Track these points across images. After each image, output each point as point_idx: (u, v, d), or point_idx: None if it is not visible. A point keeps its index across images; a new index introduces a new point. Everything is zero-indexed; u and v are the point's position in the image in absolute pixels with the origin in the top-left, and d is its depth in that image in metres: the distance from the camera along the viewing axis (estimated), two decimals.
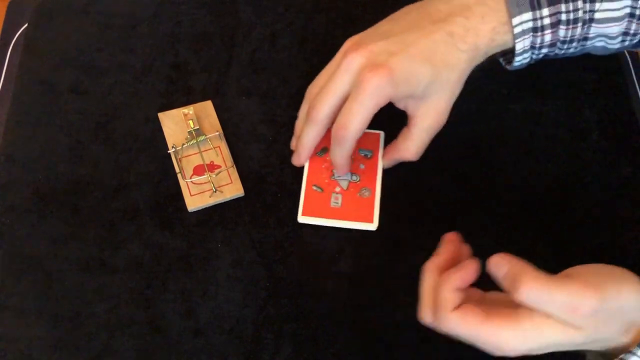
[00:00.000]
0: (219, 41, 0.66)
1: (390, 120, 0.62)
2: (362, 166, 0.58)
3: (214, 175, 0.58)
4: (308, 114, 0.53)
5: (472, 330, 0.41)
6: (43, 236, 0.55)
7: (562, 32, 0.50)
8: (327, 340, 0.52)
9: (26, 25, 0.69)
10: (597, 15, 0.50)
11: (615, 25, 0.50)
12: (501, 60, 0.56)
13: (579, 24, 0.50)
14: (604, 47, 0.53)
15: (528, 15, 0.49)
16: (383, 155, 0.58)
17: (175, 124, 0.61)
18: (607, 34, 0.51)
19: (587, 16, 0.50)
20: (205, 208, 0.57)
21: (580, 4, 0.49)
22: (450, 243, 0.47)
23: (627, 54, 0.72)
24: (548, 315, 0.39)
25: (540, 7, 0.49)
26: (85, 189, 0.58)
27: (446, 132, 0.62)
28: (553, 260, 0.56)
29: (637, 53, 0.73)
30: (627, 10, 0.50)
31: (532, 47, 0.51)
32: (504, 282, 0.41)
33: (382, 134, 0.59)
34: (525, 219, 0.58)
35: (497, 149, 0.61)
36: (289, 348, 0.52)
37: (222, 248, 0.55)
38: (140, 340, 0.52)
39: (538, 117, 0.63)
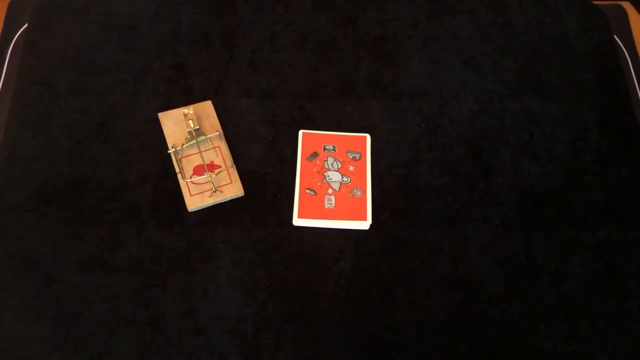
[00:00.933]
0: (219, 41, 0.66)
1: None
2: (351, 168, 0.59)
3: (214, 175, 0.58)
4: None
5: None
6: (43, 236, 0.55)
7: None
8: (327, 340, 0.52)
9: (26, 25, 0.69)
10: None
11: None
12: None
13: None
14: None
15: None
16: None
17: (175, 124, 0.61)
18: None
19: None
20: (205, 208, 0.57)
21: None
22: None
23: (627, 54, 0.72)
24: None
25: None
26: (85, 189, 0.58)
27: (446, 132, 0.62)
28: (553, 260, 0.56)
29: (637, 53, 0.73)
30: None
31: None
32: None
33: (368, 136, 0.61)
34: (525, 218, 0.58)
35: (497, 149, 0.61)
36: (289, 348, 0.52)
37: (222, 248, 0.55)
38: (140, 340, 0.52)
39: (538, 117, 0.63)
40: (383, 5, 0.69)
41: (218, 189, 0.57)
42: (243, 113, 0.62)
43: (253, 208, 0.57)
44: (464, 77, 0.65)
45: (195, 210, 0.57)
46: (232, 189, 0.57)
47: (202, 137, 0.60)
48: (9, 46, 0.70)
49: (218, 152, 0.59)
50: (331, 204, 0.57)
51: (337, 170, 0.59)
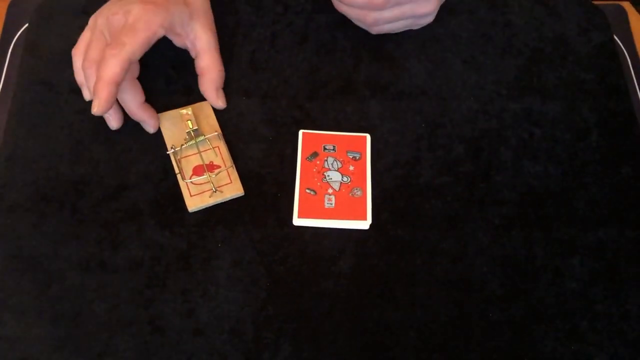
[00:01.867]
0: (219, 41, 0.66)
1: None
2: (351, 167, 0.59)
3: (214, 176, 0.58)
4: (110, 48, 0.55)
5: None
6: (43, 236, 0.55)
7: None
8: (327, 340, 0.52)
9: (26, 25, 0.69)
10: None
11: None
12: None
13: None
14: None
15: None
16: None
17: (173, 124, 0.60)
18: None
19: None
20: (206, 208, 0.57)
21: None
22: None
23: (627, 54, 0.72)
24: None
25: None
26: (85, 189, 0.58)
27: (446, 132, 0.62)
28: (553, 260, 0.56)
29: (637, 53, 0.73)
30: None
31: None
32: None
33: (368, 136, 0.61)
34: (525, 218, 0.58)
35: (497, 149, 0.61)
36: (289, 348, 0.52)
37: (222, 248, 0.55)
38: (140, 340, 0.52)
39: (538, 117, 0.63)
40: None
41: (218, 189, 0.57)
42: (243, 113, 0.62)
43: (253, 208, 0.57)
44: (464, 77, 0.65)
45: (196, 210, 0.57)
46: (232, 188, 0.57)
47: (201, 138, 0.59)
48: (9, 46, 0.70)
49: (217, 152, 0.59)
50: (331, 203, 0.57)
51: (337, 170, 0.59)
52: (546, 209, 0.58)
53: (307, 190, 0.58)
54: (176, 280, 0.54)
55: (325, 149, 0.60)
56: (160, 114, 0.61)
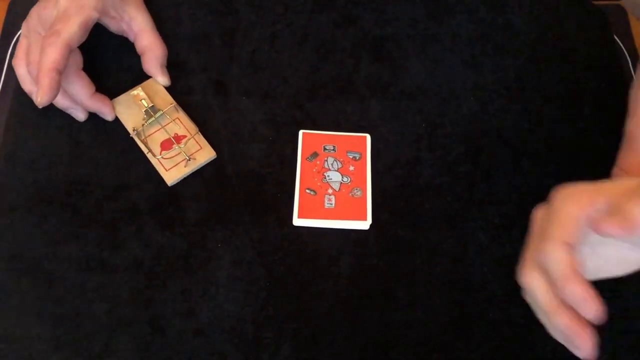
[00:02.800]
0: (219, 41, 0.66)
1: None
2: (351, 168, 0.59)
3: (183, 146, 0.59)
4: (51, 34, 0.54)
5: None
6: (43, 236, 0.55)
7: None
8: (327, 340, 0.52)
9: None
10: None
11: None
12: None
13: None
14: None
15: None
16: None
17: (128, 107, 0.61)
18: None
19: None
20: (206, 208, 0.57)
21: None
22: None
23: (627, 54, 0.72)
24: None
25: None
26: (85, 189, 0.58)
27: (446, 132, 0.62)
28: None
29: (637, 53, 0.73)
30: None
31: None
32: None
33: (368, 136, 0.61)
34: (525, 218, 0.58)
35: (497, 149, 0.61)
36: (289, 348, 0.52)
37: (222, 248, 0.55)
38: (140, 340, 0.52)
39: (538, 117, 0.63)
40: (383, 6, 0.69)
41: (191, 157, 0.58)
42: (243, 113, 0.62)
43: (253, 208, 0.57)
44: (464, 77, 0.65)
45: (175, 183, 0.58)
46: (204, 153, 0.59)
47: (159, 113, 0.60)
48: (9, 46, 0.70)
49: (179, 123, 0.60)
50: (331, 204, 0.57)
51: (337, 170, 0.59)
52: None
53: (307, 191, 0.58)
54: (176, 280, 0.54)
55: (325, 149, 0.60)
56: (112, 101, 0.61)
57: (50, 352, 0.51)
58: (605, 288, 0.55)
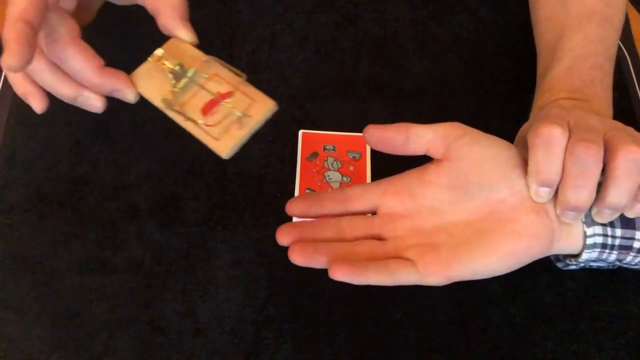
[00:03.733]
0: (219, 41, 0.66)
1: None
2: (351, 167, 0.59)
3: (230, 104, 0.45)
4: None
5: None
6: (43, 236, 0.55)
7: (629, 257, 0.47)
8: (327, 340, 0.52)
9: None
10: None
11: None
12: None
13: None
14: None
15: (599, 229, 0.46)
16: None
17: (150, 77, 0.47)
18: None
19: None
20: (206, 208, 0.57)
21: None
22: None
23: (627, 54, 0.72)
24: None
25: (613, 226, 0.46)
26: (85, 189, 0.58)
27: None
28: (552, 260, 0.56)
29: (637, 53, 0.73)
30: None
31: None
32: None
33: None
34: None
35: None
36: (289, 348, 0.52)
37: (222, 248, 0.55)
38: (140, 340, 0.52)
39: None
40: (383, 6, 0.69)
41: (245, 113, 0.45)
42: None
43: (253, 208, 0.57)
44: (464, 77, 0.65)
45: (232, 154, 0.45)
46: (261, 106, 0.45)
47: (192, 70, 0.47)
48: None
49: (219, 80, 0.47)
50: None
51: (337, 170, 0.59)
52: None
53: (307, 191, 0.58)
54: (176, 280, 0.54)
55: (325, 149, 0.60)
56: (130, 75, 0.48)
57: (50, 352, 0.51)
58: (605, 288, 0.55)
